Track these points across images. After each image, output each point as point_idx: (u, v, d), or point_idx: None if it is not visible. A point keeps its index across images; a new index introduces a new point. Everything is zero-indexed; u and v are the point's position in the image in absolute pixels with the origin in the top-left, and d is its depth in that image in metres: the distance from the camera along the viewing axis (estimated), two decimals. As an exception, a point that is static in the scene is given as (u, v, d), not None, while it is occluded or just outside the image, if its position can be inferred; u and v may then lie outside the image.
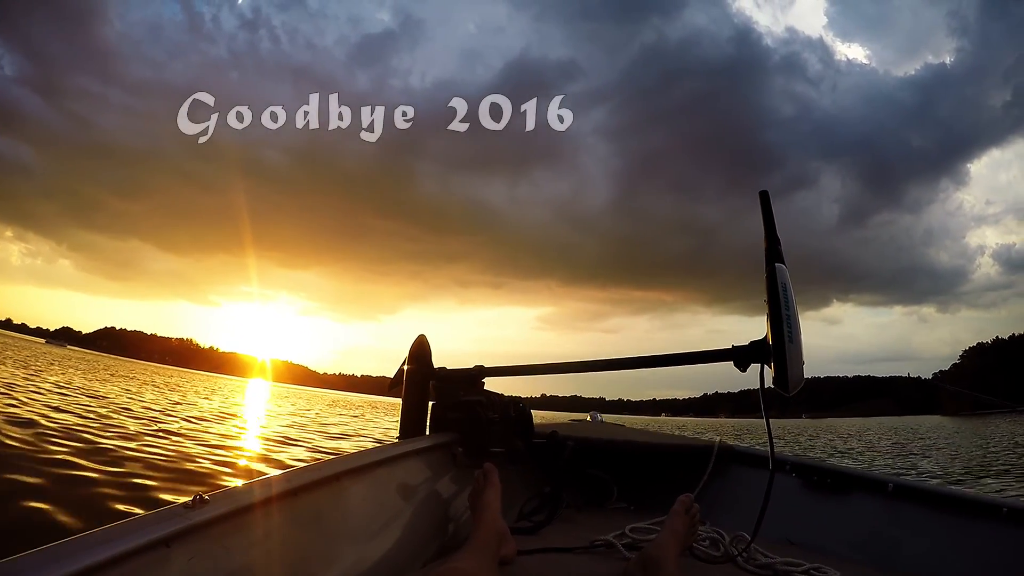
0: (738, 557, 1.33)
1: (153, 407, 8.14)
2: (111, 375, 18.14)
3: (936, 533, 1.51)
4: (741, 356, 1.43)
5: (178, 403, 10.21)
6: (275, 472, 1.02)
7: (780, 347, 1.29)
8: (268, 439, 6.44)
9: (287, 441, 6.42)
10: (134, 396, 9.88)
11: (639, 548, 1.32)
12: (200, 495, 0.79)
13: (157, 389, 14.32)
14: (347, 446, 6.62)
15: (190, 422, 6.88)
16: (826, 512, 1.75)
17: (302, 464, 1.11)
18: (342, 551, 1.05)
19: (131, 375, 21.72)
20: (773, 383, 1.32)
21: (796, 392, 1.29)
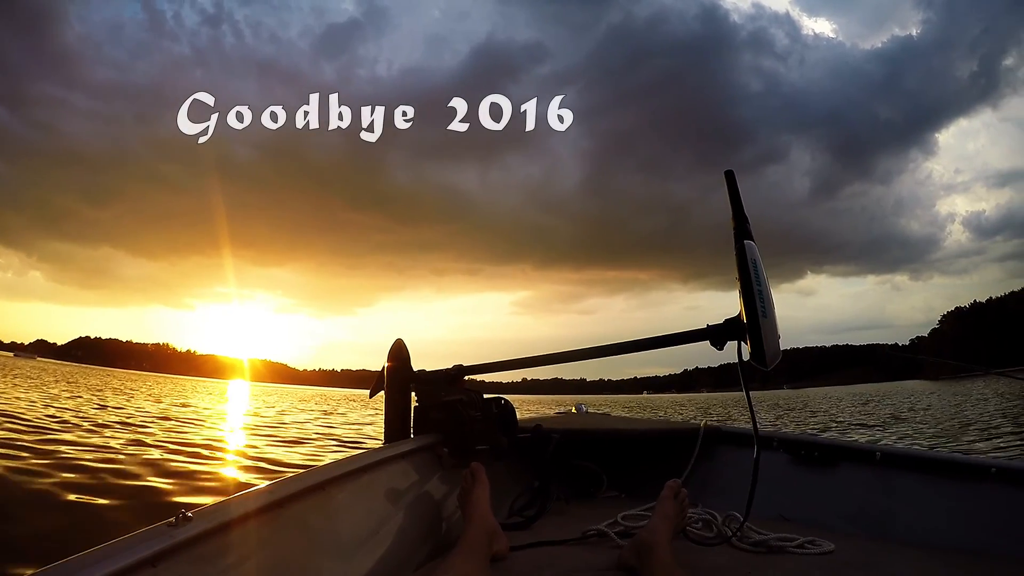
0: (732, 537, 1.34)
1: (63, 415, 6.65)
2: (55, 381, 16.24)
3: (927, 498, 1.51)
4: (717, 335, 1.44)
5: (105, 407, 8.72)
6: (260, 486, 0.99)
7: (754, 323, 1.31)
8: (182, 452, 4.59)
9: (209, 455, 4.62)
10: (50, 403, 8.30)
11: (632, 535, 1.32)
12: (183, 512, 0.77)
13: (99, 393, 12.64)
14: (292, 456, 4.98)
15: (97, 429, 5.44)
16: (816, 485, 1.76)
17: (273, 480, 1.07)
18: (332, 561, 1.04)
19: (78, 381, 18.91)
20: (751, 359, 1.34)
21: (774, 366, 1.31)
